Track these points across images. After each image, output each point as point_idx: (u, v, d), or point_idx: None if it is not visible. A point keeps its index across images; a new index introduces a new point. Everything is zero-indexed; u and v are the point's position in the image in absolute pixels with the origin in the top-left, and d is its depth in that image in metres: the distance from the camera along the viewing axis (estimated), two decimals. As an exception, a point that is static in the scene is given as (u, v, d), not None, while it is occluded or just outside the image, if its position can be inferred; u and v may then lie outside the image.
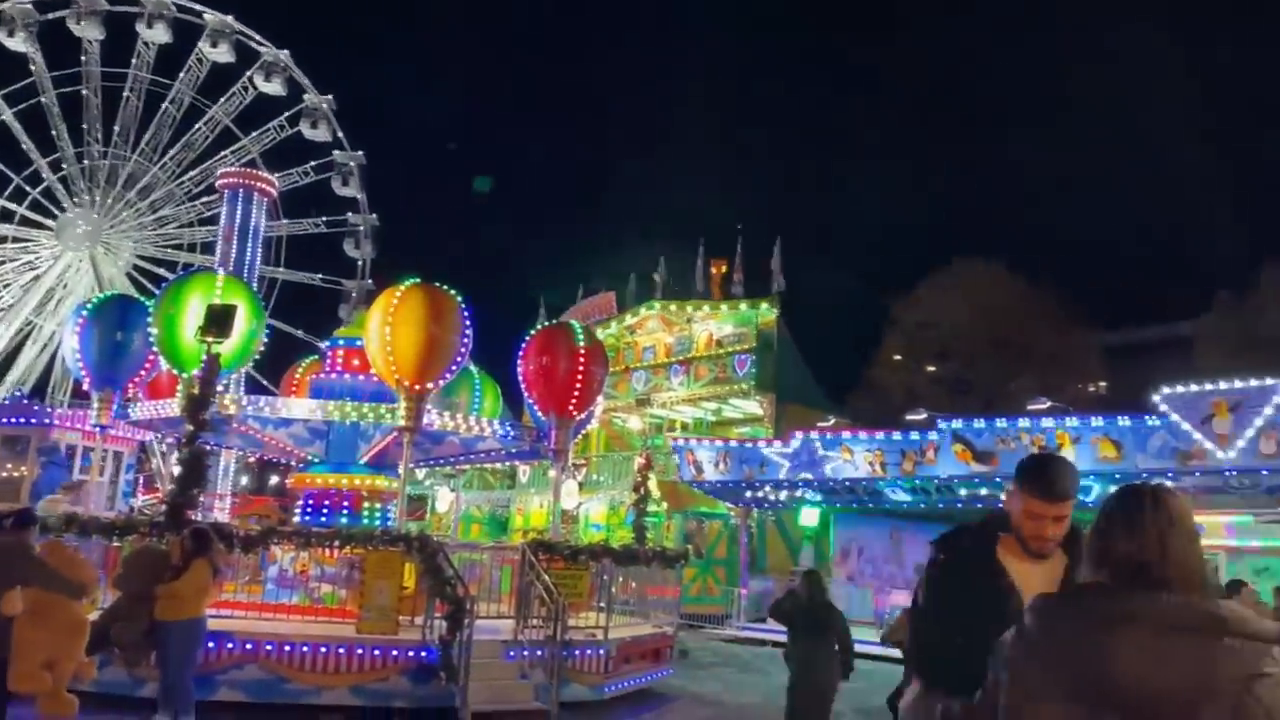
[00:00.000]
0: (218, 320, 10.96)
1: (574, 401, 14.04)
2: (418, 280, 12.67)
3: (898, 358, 38.41)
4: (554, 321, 14.46)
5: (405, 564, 11.01)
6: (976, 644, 2.65)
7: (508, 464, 36.86)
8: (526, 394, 14.39)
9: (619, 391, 33.19)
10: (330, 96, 37.67)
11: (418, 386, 12.43)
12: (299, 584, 12.95)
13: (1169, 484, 15.49)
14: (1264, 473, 17.10)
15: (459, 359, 12.76)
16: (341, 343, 15.01)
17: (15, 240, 38.05)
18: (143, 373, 13.42)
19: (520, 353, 14.22)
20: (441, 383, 12.78)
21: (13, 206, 38.06)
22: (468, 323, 12.83)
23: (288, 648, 10.53)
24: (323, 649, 10.60)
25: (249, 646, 10.44)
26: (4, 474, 16.62)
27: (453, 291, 12.92)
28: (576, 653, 11.87)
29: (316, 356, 16.98)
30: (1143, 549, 1.83)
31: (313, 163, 38.45)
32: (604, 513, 31.07)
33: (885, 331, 38.96)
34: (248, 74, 37.78)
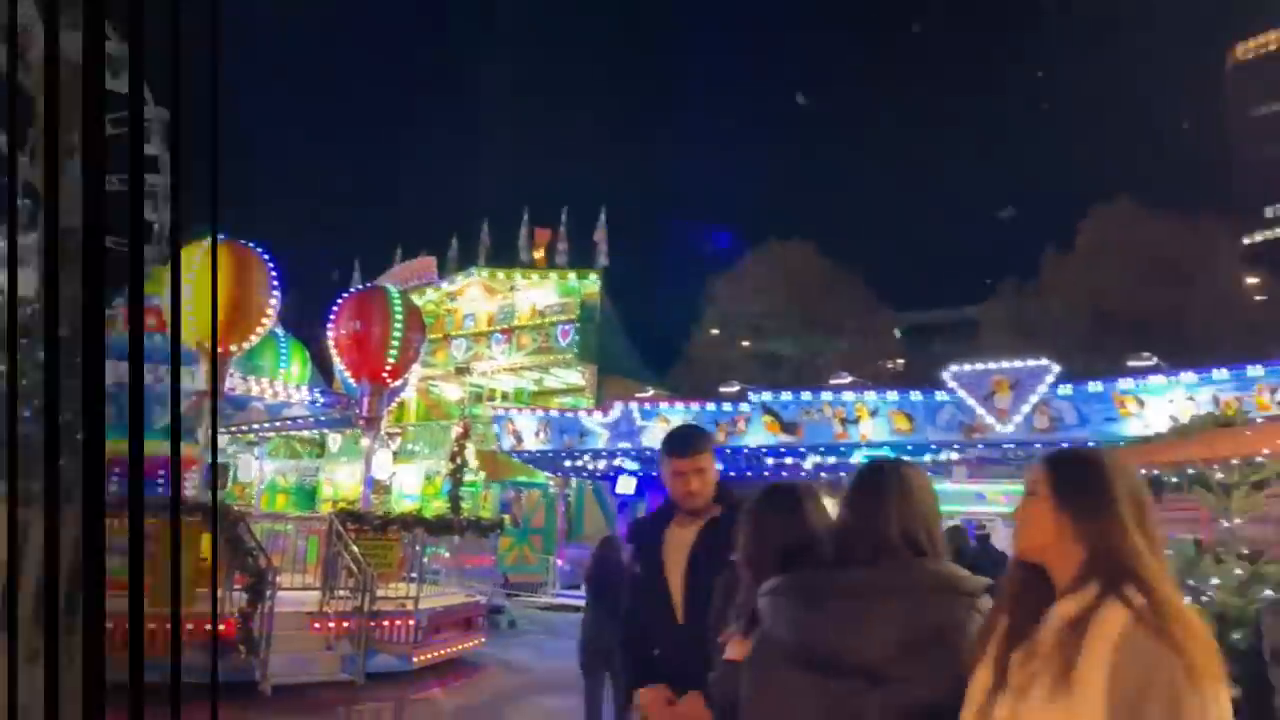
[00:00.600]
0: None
1: (388, 368, 13.71)
2: (223, 237, 12.02)
3: (715, 332, 39.46)
4: (368, 285, 13.98)
5: (202, 535, 10.49)
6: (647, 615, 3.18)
7: (316, 432, 35.79)
8: (338, 360, 13.95)
9: (438, 359, 32.60)
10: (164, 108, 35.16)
11: (220, 349, 11.82)
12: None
13: (956, 455, 16.63)
14: (1037, 446, 18.65)
15: (265, 320, 12.22)
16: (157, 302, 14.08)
17: None
18: None
19: (331, 317, 13.75)
20: (246, 345, 12.20)
21: None
22: (275, 282, 12.30)
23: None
24: (108, 625, 9.96)
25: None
26: None
27: (259, 249, 12.34)
28: (385, 623, 11.68)
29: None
30: (873, 518, 2.05)
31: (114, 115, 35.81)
32: (419, 483, 30.55)
33: (705, 307, 39.93)
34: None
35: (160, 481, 13.71)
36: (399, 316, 13.70)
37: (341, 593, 11.39)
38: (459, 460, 16.28)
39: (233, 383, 12.34)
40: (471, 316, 33.30)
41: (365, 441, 14.99)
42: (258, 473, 32.85)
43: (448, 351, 33.02)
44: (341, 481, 32.79)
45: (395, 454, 32.16)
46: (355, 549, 11.25)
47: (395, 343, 13.62)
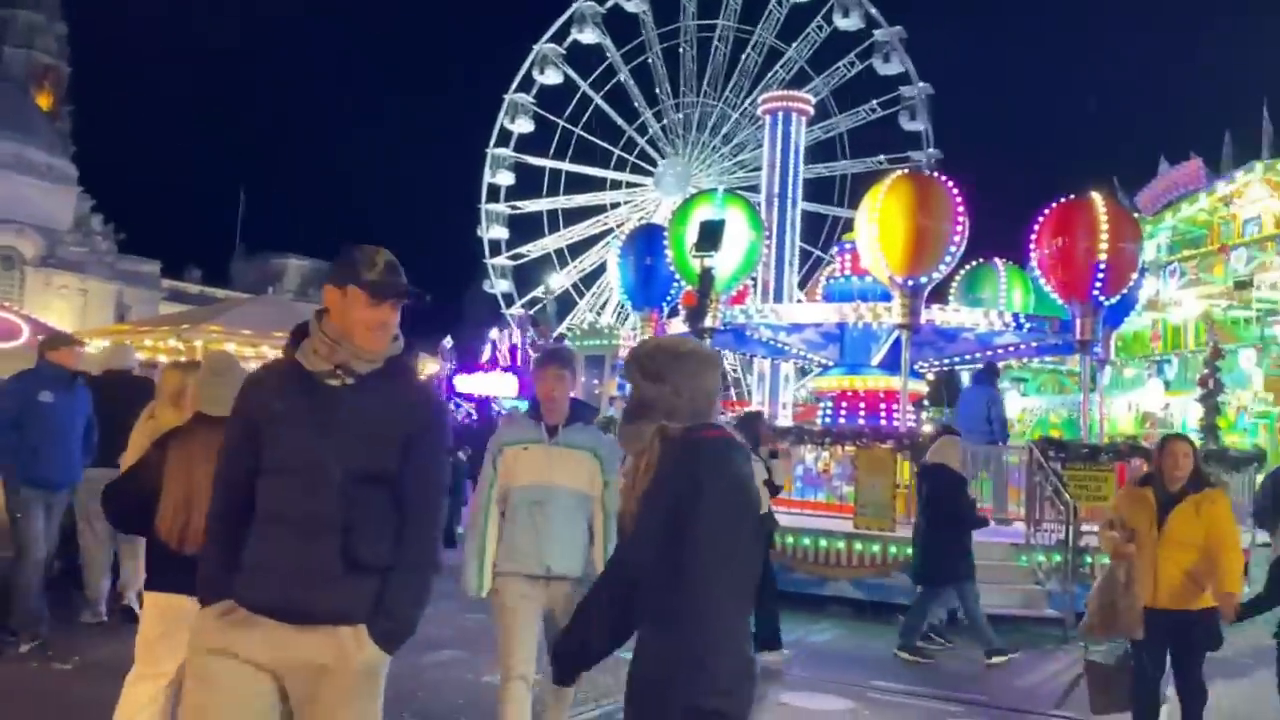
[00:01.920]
0: (708, 235, 11.61)
1: (1099, 284, 12.37)
2: (904, 170, 12.10)
3: None
4: (1068, 196, 12.78)
5: (897, 461, 10.78)
6: None
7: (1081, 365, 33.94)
8: (1044, 281, 13.03)
9: (1215, 275, 28.45)
10: (899, 27, 37.62)
11: (910, 281, 11.94)
12: (823, 482, 13.37)
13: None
14: None
15: (952, 249, 11.97)
16: (849, 245, 14.94)
17: (626, 203, 44.05)
18: (671, 293, 14.75)
19: (1032, 237, 12.88)
20: (936, 275, 12.11)
21: (618, 175, 44.13)
22: (960, 211, 11.97)
23: (789, 539, 10.96)
24: (822, 542, 10.86)
25: (755, 537, 11.09)
26: (593, 389, 19.71)
27: (945, 179, 12.15)
28: (1103, 559, 10.57)
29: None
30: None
31: (856, 51, 38.87)
32: (1198, 415, 27.05)
33: None
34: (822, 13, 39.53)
35: (881, 413, 14.45)
36: (1105, 225, 12.26)
37: (1047, 525, 10.68)
38: (1211, 384, 14.01)
39: (931, 313, 12.34)
40: (1254, 221, 28.27)
41: (1082, 368, 13.75)
42: (1024, 411, 32.54)
43: (1226, 265, 28.58)
44: (1114, 415, 30.74)
45: (1168, 384, 29.06)
46: (1056, 480, 10.42)
47: (1103, 255, 12.23)
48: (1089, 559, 10.27)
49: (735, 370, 41.54)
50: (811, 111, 26.40)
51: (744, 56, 42.42)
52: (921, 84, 38.03)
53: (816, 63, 41.26)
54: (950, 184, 12.03)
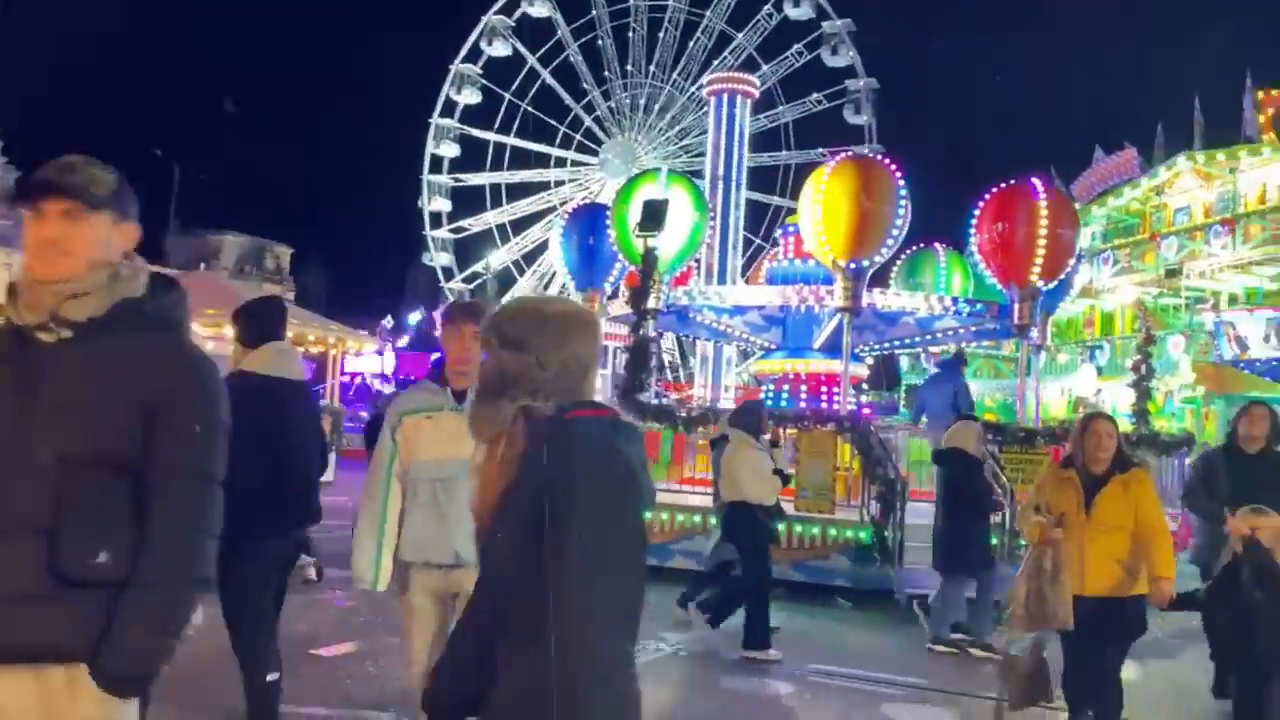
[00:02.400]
0: (651, 215, 11.46)
1: (1037, 269, 12.47)
2: (849, 153, 12.06)
3: None
4: (1009, 182, 12.84)
5: (837, 444, 10.76)
6: None
7: (1018, 351, 34.54)
8: (984, 266, 13.11)
9: (1145, 263, 29.04)
10: (849, 19, 37.71)
11: (852, 264, 11.91)
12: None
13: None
14: None
15: (895, 233, 11.97)
16: (793, 229, 14.90)
17: (570, 180, 43.70)
18: (614, 273, 14.57)
19: (972, 221, 12.94)
20: (878, 259, 12.11)
21: (564, 153, 43.76)
22: (903, 195, 11.96)
23: (730, 522, 10.90)
24: (762, 525, 10.80)
25: (696, 519, 11.01)
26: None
27: (888, 162, 12.13)
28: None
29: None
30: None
31: (804, 41, 39.08)
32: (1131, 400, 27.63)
33: None
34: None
35: (823, 396, 14.46)
36: (1044, 212, 12.36)
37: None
38: (1144, 369, 14.22)
39: (871, 297, 12.34)
40: (1184, 210, 28.92)
41: (1020, 352, 13.90)
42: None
43: (1156, 253, 29.18)
44: (1047, 399, 31.30)
45: (1100, 369, 29.67)
46: (993, 462, 10.47)
47: (1042, 240, 12.33)
48: (1024, 542, 10.38)
49: (674, 355, 41.63)
50: (756, 94, 26.27)
51: (693, 40, 42.25)
52: (867, 79, 38.24)
53: (765, 50, 41.27)
54: (894, 167, 12.01)
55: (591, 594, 1.85)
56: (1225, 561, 4.80)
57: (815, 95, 40.21)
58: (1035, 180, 12.65)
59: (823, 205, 11.83)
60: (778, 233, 15.77)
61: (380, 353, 33.47)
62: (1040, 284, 12.64)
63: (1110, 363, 29.45)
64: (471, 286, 42.08)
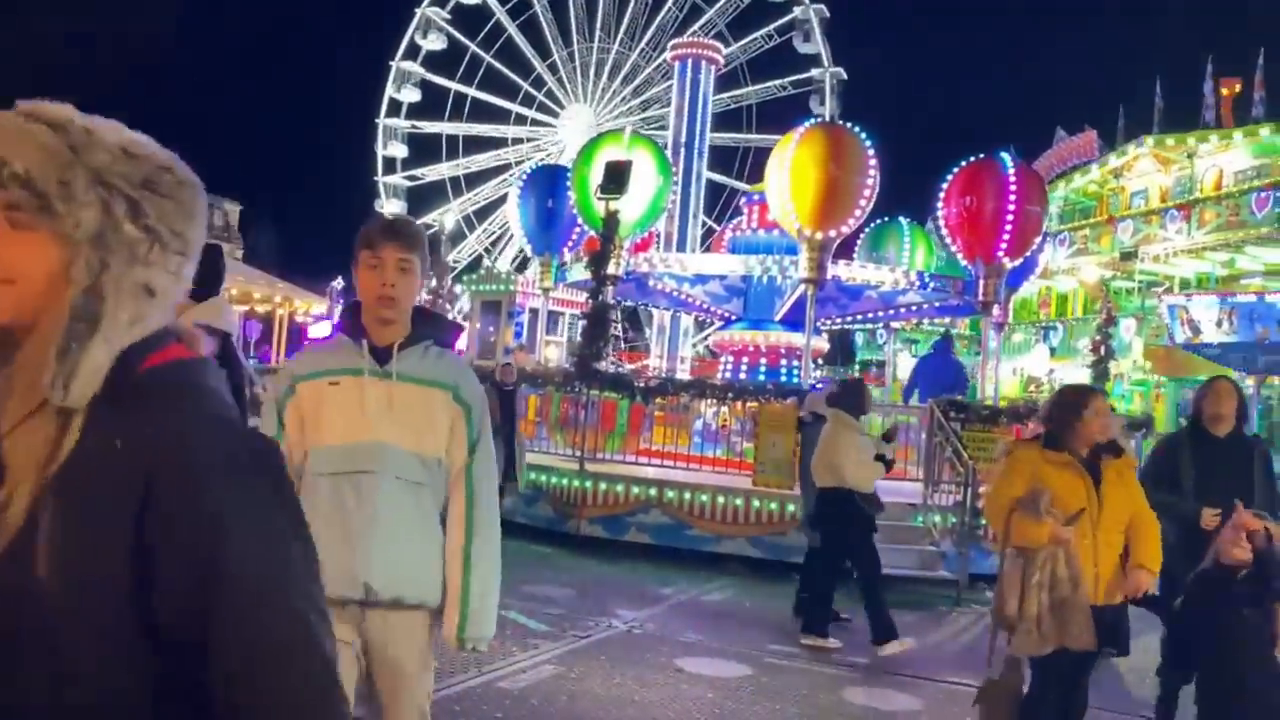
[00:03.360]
0: (614, 177, 11.02)
1: (1004, 245, 12.27)
2: (816, 121, 11.70)
3: None
4: (978, 156, 12.58)
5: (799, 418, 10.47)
6: None
7: (973, 330, 34.67)
8: (950, 241, 12.88)
9: (1101, 245, 29.18)
10: (822, 4, 37.09)
11: (818, 234, 11.60)
12: (721, 438, 13.05)
13: None
14: None
15: (863, 203, 11.66)
16: (757, 198, 14.55)
17: (529, 140, 42.95)
18: (574, 236, 14.12)
19: (941, 195, 12.69)
20: (844, 229, 11.80)
21: (524, 110, 42.96)
22: (873, 163, 11.65)
23: (687, 495, 10.62)
24: (719, 499, 10.54)
25: (652, 492, 10.70)
26: (488, 336, 18.96)
27: (857, 130, 11.79)
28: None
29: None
30: None
31: (775, 24, 38.57)
32: (1083, 381, 27.85)
33: None
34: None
35: (782, 369, 14.18)
36: (1014, 187, 12.14)
37: (945, 486, 10.59)
38: (1102, 352, 14.18)
39: (836, 269, 12.05)
40: (1141, 194, 29.07)
41: (985, 329, 13.74)
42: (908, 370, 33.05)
43: (1113, 236, 29.33)
44: (1001, 379, 31.47)
45: (1053, 350, 29.85)
46: (956, 441, 10.29)
47: (1010, 216, 12.12)
48: (983, 521, 10.23)
49: (623, 324, 41.16)
50: (721, 61, 25.83)
51: (664, 10, 41.51)
52: (834, 69, 37.84)
53: (736, 28, 40.67)
54: (863, 136, 11.68)
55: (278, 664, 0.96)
56: (1207, 565, 4.12)
57: (780, 81, 39.74)
58: (1005, 155, 12.42)
59: (790, 173, 11.47)
60: (741, 201, 15.38)
61: (329, 315, 32.70)
62: (1006, 261, 12.43)
63: (1063, 343, 29.64)
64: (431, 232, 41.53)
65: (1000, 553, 4.47)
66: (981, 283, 12.54)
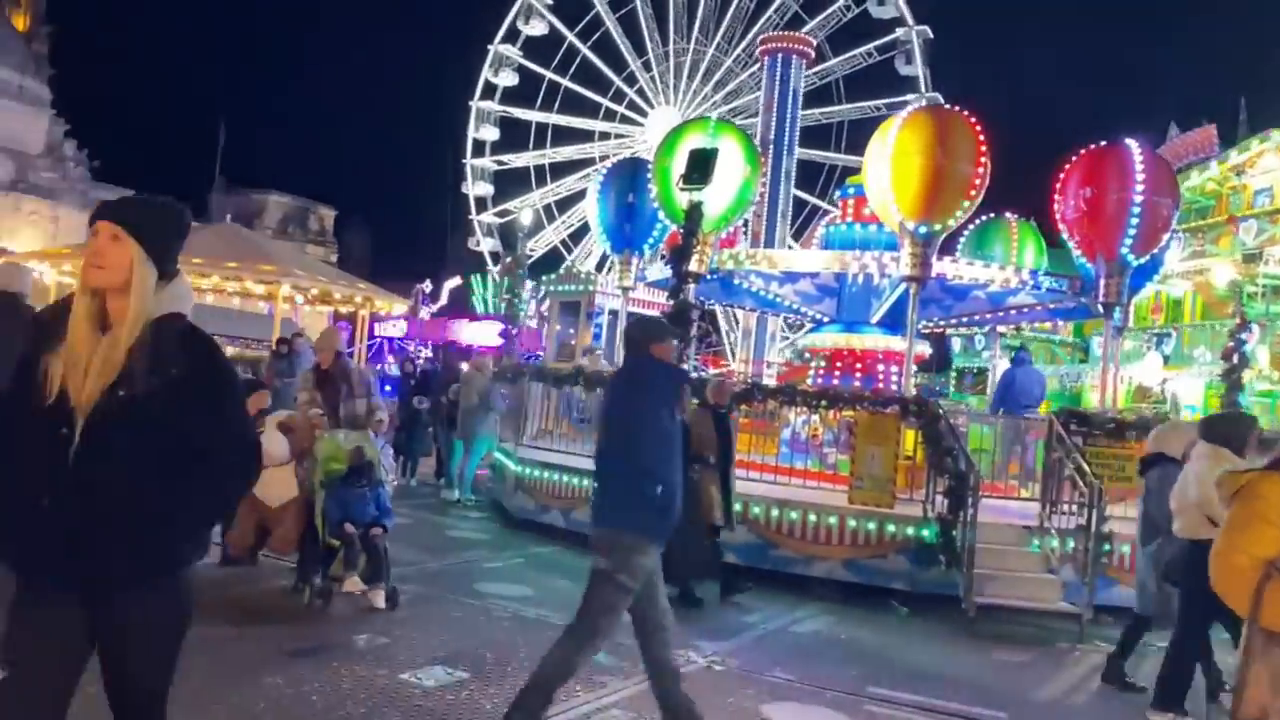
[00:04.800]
0: (698, 165, 10.14)
1: (1129, 240, 11.01)
2: (922, 104, 10.63)
3: None
4: (1101, 143, 11.34)
5: (901, 429, 9.44)
6: None
7: (1077, 336, 32.78)
8: (1067, 236, 11.65)
9: (1220, 246, 27.14)
10: None
11: (922, 228, 10.52)
12: (811, 449, 12.04)
13: None
14: None
15: (972, 194, 10.54)
16: (852, 191, 13.49)
17: (615, 136, 42.46)
18: (655, 233, 13.26)
19: (1056, 186, 11.48)
20: (951, 222, 10.69)
21: (614, 106, 42.44)
22: (984, 152, 10.52)
23: (775, 511, 9.66)
24: (811, 516, 9.56)
25: (736, 508, 9.75)
26: (567, 338, 18.25)
27: (967, 114, 10.68)
28: (1124, 548, 9.33)
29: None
30: None
31: (876, 43, 37.43)
32: (1201, 392, 25.90)
33: None
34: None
35: (879, 375, 13.10)
36: (1141, 176, 10.87)
37: (1065, 507, 9.41)
38: (1235, 359, 12.74)
39: (942, 267, 10.96)
40: (1266, 192, 26.89)
41: (1106, 332, 12.44)
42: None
43: (1233, 237, 27.25)
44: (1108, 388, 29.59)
45: (1166, 358, 27.86)
46: (1079, 457, 9.12)
47: (1136, 208, 10.86)
48: (1108, 546, 9.05)
49: (705, 327, 40.20)
50: (812, 54, 24.77)
51: (765, 16, 40.57)
52: (919, 27, 36.66)
53: (810, 6, 39.59)
54: (973, 120, 10.56)
55: None
56: None
57: (865, 47, 38.45)
58: (1130, 141, 11.14)
59: (891, 161, 10.42)
60: (836, 194, 14.31)
61: (411, 316, 32.81)
62: (1131, 258, 11.16)
63: (1176, 351, 27.65)
64: (501, 221, 41.68)
65: (1244, 632, 3.39)
66: (1103, 282, 11.28)
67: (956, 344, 33.18)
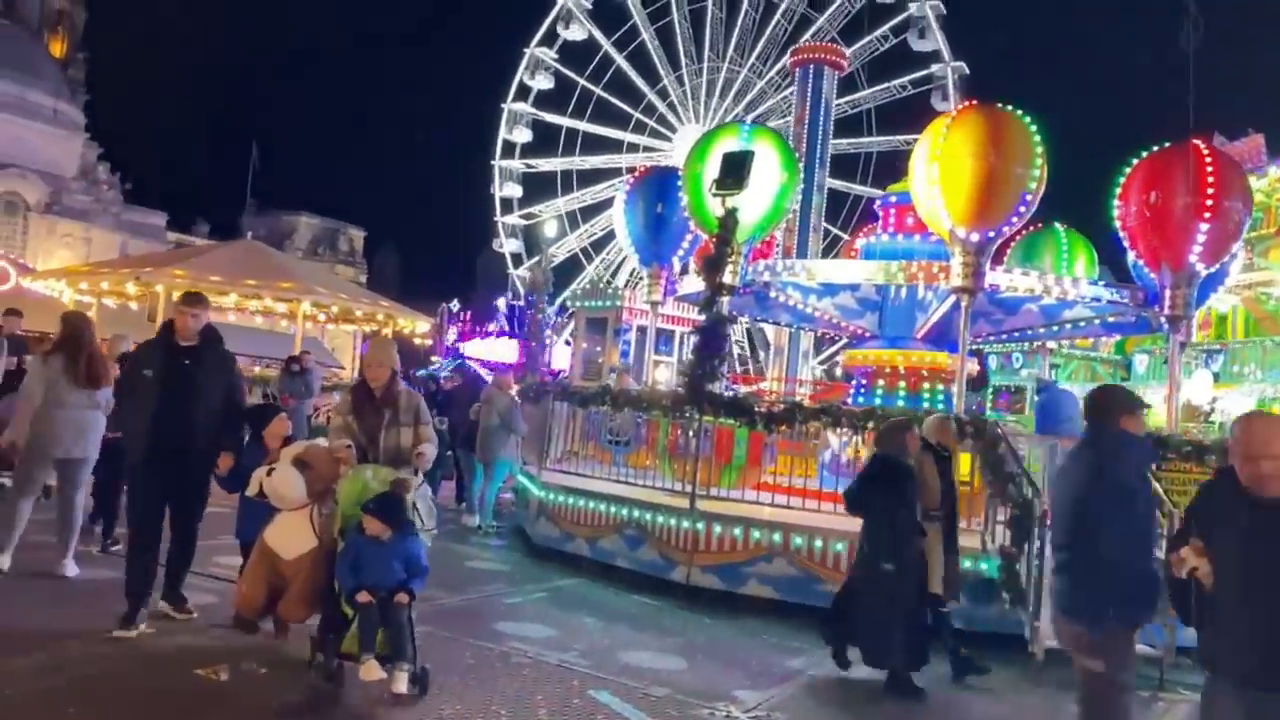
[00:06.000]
0: (732, 169, 9.40)
1: (1199, 248, 10.13)
2: (972, 102, 9.85)
3: None
4: (1165, 144, 10.48)
5: (957, 453, 8.58)
6: None
7: (1118, 352, 31.65)
8: (1128, 245, 10.79)
9: (1271, 260, 26.03)
10: (937, 3, 35.59)
11: (974, 235, 9.71)
12: (853, 472, 11.19)
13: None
14: None
15: (1028, 198, 9.72)
16: (894, 199, 12.68)
17: (645, 150, 42.05)
18: (685, 245, 12.53)
19: (1118, 191, 10.62)
20: (1006, 229, 9.88)
21: (636, 139, 42.04)
22: (1039, 152, 9.71)
23: (818, 542, 8.84)
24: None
25: (776, 537, 8.95)
26: (594, 355, 17.52)
27: (1019, 113, 9.87)
28: (1205, 585, 8.41)
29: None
30: None
31: (889, 25, 37.00)
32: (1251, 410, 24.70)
33: None
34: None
35: (933, 395, 12.24)
36: (1211, 179, 10.01)
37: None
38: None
39: (994, 278, 10.13)
40: (1322, 203, 25.79)
41: (1171, 347, 11.52)
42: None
43: (1285, 250, 26.17)
44: (1152, 406, 28.44)
45: (1216, 376, 26.69)
46: (1155, 483, 8.21)
47: (1207, 215, 9.99)
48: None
49: (743, 346, 39.39)
50: (845, 66, 24.07)
51: (772, 23, 40.17)
52: (955, 63, 36.23)
53: (847, 34, 39.09)
54: (1028, 120, 9.75)
55: None
56: None
57: (900, 80, 38.01)
58: (1199, 142, 10.28)
59: (941, 163, 9.62)
60: (877, 205, 13.50)
61: (437, 336, 32.37)
62: (1201, 267, 10.27)
63: (1224, 368, 26.49)
64: (533, 261, 41.54)
65: None
66: (1169, 293, 10.39)
67: (994, 361, 32.14)
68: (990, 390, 32.83)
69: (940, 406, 11.62)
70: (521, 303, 34.86)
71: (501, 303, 43.07)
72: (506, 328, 38.27)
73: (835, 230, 36.68)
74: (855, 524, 9.07)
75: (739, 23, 41.12)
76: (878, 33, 38.08)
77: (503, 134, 40.93)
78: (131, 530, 6.44)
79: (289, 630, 6.03)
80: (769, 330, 25.08)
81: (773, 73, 40.87)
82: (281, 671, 5.67)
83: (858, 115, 39.24)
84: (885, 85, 39.08)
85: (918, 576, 6.83)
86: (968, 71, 36.48)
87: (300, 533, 5.71)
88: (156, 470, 6.21)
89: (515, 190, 41.77)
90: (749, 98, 41.56)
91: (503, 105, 40.71)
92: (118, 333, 10.09)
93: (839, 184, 37.69)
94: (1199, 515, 3.64)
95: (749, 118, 40.70)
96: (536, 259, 40.47)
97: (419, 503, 5.59)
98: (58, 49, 59.13)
